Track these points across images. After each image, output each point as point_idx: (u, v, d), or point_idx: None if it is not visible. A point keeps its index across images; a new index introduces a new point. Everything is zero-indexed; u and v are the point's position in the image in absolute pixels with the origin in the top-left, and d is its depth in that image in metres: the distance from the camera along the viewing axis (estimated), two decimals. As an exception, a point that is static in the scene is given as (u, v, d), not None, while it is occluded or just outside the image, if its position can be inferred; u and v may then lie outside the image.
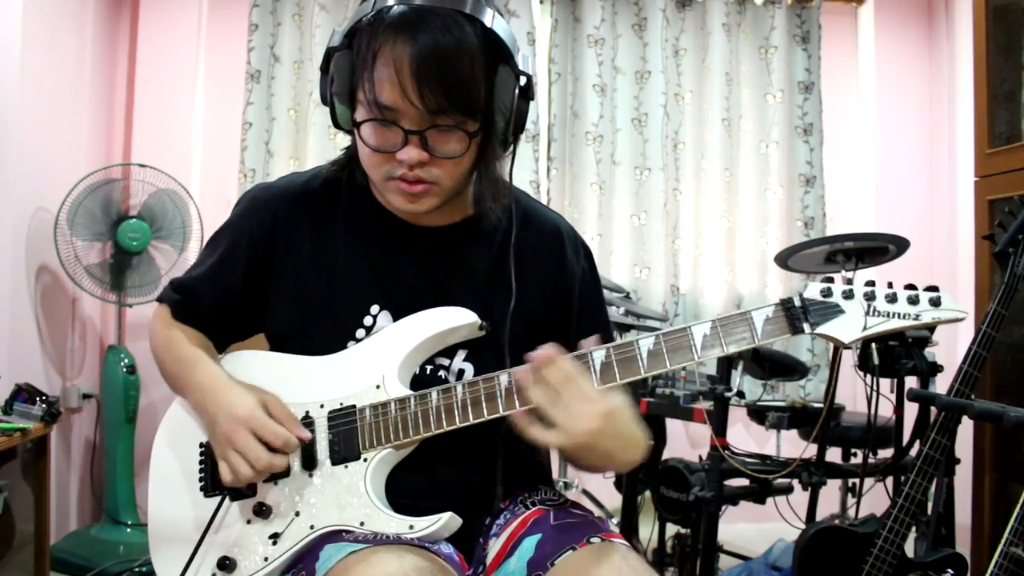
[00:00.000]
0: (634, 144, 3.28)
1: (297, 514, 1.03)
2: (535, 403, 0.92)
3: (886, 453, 2.24)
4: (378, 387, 1.06)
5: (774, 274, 3.31)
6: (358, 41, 0.98)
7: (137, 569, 2.51)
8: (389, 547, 0.95)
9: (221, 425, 1.02)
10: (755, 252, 3.35)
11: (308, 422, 1.07)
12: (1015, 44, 2.36)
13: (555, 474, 2.67)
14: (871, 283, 0.99)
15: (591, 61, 3.26)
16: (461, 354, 1.11)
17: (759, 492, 2.14)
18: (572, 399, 0.92)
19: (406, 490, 1.05)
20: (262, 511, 1.04)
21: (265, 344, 1.18)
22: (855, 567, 1.67)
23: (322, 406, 1.07)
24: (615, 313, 2.46)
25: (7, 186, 2.43)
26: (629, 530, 2.43)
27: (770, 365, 2.30)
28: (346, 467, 1.04)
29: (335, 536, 1.00)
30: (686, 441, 3.23)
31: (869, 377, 2.12)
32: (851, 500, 2.40)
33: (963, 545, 2.10)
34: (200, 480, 1.09)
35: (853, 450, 2.40)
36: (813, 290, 1.00)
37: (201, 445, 1.11)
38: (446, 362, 1.11)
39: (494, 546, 1.07)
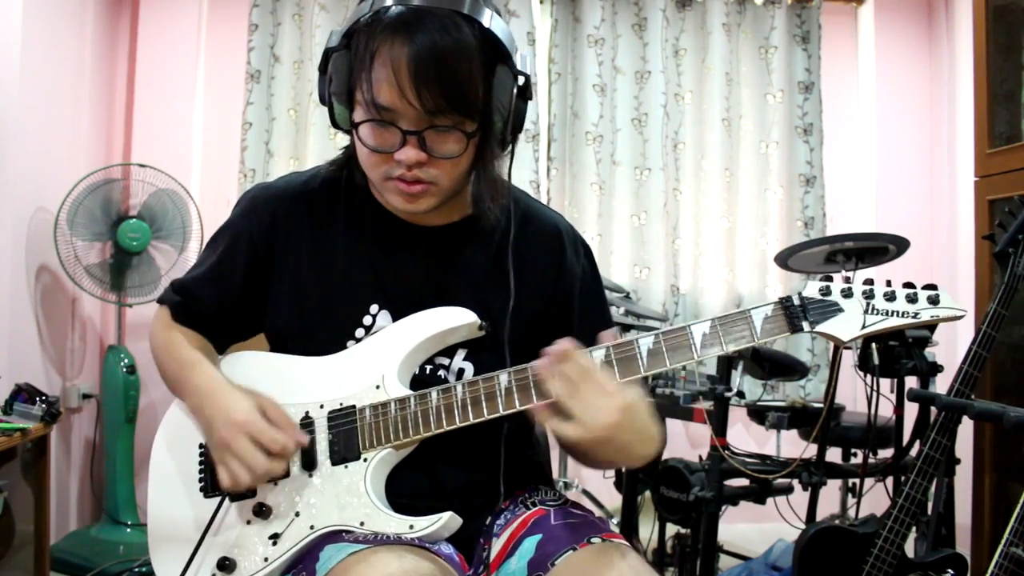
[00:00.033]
0: (634, 144, 3.28)
1: (297, 514, 1.03)
2: (554, 395, 0.92)
3: (886, 453, 2.24)
4: (378, 387, 1.06)
5: (774, 274, 3.31)
6: (356, 42, 0.98)
7: (137, 569, 2.51)
8: (389, 547, 0.95)
9: (219, 430, 1.02)
10: (755, 252, 3.35)
11: (308, 422, 1.07)
12: (1015, 44, 2.35)
13: (555, 474, 2.67)
14: (870, 282, 1.00)
15: (591, 61, 3.26)
16: (461, 353, 1.11)
17: (759, 492, 2.14)
18: (591, 393, 0.92)
19: (406, 490, 1.05)
20: (262, 511, 1.04)
21: (265, 345, 1.18)
22: (855, 567, 1.67)
23: (322, 406, 1.07)
24: (615, 313, 2.46)
25: (7, 186, 2.43)
26: (629, 530, 2.42)
27: (770, 365, 2.30)
28: (346, 467, 1.04)
29: (335, 536, 1.00)
30: (686, 441, 3.23)
31: (869, 377, 2.12)
32: (851, 500, 2.40)
33: (963, 545, 2.10)
34: (200, 481, 1.09)
35: (853, 450, 2.40)
36: (812, 289, 1.00)
37: (201, 446, 1.11)
38: (446, 361, 1.11)
39: (495, 546, 1.07)
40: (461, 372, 1.11)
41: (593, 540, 1.00)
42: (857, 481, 2.25)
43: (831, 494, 2.45)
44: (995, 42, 2.37)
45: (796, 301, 0.99)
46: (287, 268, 1.13)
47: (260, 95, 3.15)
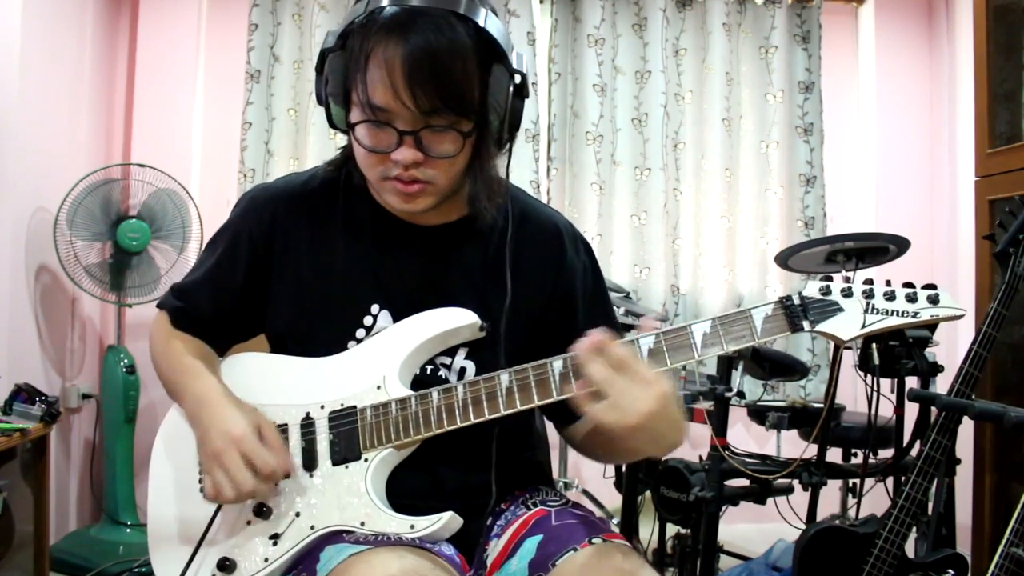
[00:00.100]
0: (634, 144, 3.28)
1: (297, 514, 1.03)
2: (594, 381, 0.91)
3: (886, 453, 2.24)
4: (379, 387, 1.06)
5: (774, 274, 3.31)
6: (351, 42, 0.98)
7: (136, 569, 2.51)
8: (390, 548, 0.95)
9: (213, 440, 1.02)
10: (755, 252, 3.35)
11: (309, 423, 1.07)
12: (1015, 44, 2.35)
13: (555, 474, 2.67)
14: (869, 281, 1.00)
15: (591, 61, 3.26)
16: (462, 352, 1.11)
17: (759, 492, 2.14)
18: (630, 380, 0.91)
19: (407, 490, 1.05)
20: (262, 512, 1.04)
21: (265, 346, 1.18)
22: (855, 567, 1.67)
23: (323, 407, 1.07)
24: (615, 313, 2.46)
25: (7, 186, 2.43)
26: (629, 530, 2.42)
27: (770, 365, 2.30)
28: (347, 467, 1.04)
29: (336, 537, 1.00)
30: (686, 441, 3.23)
31: (869, 377, 2.12)
32: (851, 500, 2.40)
33: (964, 545, 2.10)
34: (200, 482, 1.09)
35: (853, 450, 2.40)
36: (812, 288, 1.00)
37: (200, 452, 1.11)
38: (447, 361, 1.11)
39: (495, 547, 1.07)
40: (463, 371, 1.11)
41: (594, 540, 1.00)
42: (857, 481, 2.24)
43: (831, 494, 2.44)
44: (995, 42, 2.37)
45: (796, 300, 0.99)
46: (287, 269, 1.13)
47: (260, 95, 3.15)
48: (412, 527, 0.99)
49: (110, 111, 3.15)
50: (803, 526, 2.24)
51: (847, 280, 1.00)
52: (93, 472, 2.89)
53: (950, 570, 1.69)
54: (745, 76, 3.39)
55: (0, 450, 2.04)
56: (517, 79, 1.01)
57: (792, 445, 2.37)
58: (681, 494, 2.17)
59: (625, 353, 0.93)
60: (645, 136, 3.28)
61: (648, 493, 2.37)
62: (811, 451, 2.17)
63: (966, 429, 1.78)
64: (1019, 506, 1.46)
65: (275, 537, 1.02)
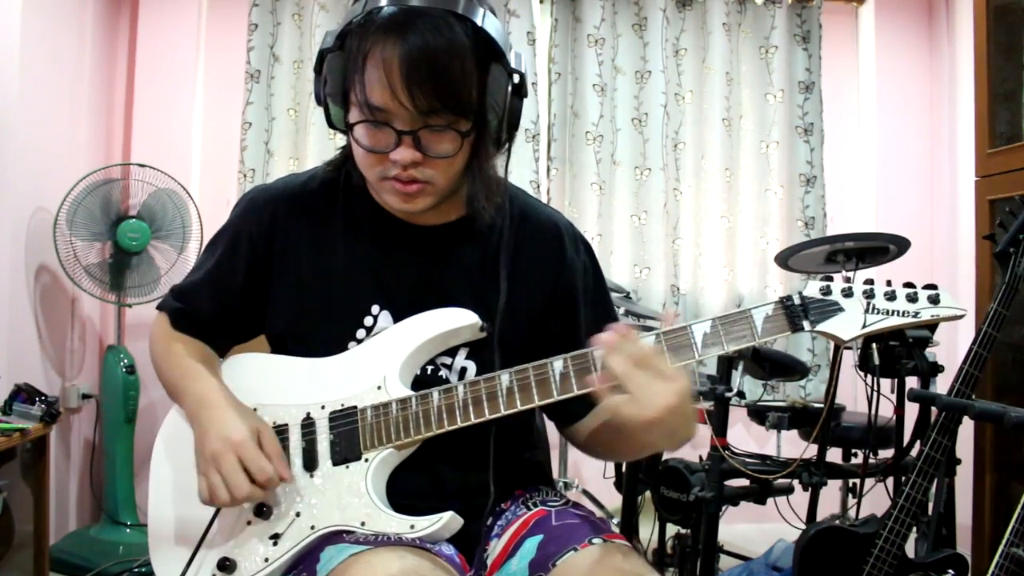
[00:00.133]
0: (634, 144, 3.28)
1: (298, 514, 1.03)
2: (615, 374, 0.91)
3: (887, 453, 2.24)
4: (379, 388, 1.06)
5: (774, 274, 3.31)
6: (349, 43, 0.98)
7: (136, 569, 2.51)
8: (390, 548, 0.95)
9: (212, 443, 1.02)
10: (755, 252, 3.35)
11: (309, 423, 1.07)
12: (1016, 44, 2.35)
13: (555, 474, 2.67)
14: (870, 281, 1.00)
15: (591, 61, 3.26)
16: (463, 352, 1.11)
17: (759, 492, 2.14)
18: (651, 375, 0.91)
19: (407, 490, 1.05)
20: (263, 511, 1.04)
21: (266, 346, 1.18)
22: (856, 567, 1.67)
23: (323, 407, 1.07)
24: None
25: (7, 186, 2.43)
26: (629, 530, 2.42)
27: (770, 365, 2.30)
28: (347, 467, 1.04)
29: (336, 537, 1.00)
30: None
31: (870, 377, 2.12)
32: (851, 500, 2.40)
33: (964, 545, 2.10)
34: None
35: (854, 450, 2.40)
36: (812, 288, 1.00)
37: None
38: (448, 361, 1.11)
39: (496, 547, 1.07)
40: (463, 371, 1.11)
41: (595, 541, 1.00)
42: (857, 481, 2.24)
43: (831, 494, 2.44)
44: (996, 42, 2.37)
45: (797, 300, 0.99)
46: (287, 269, 1.13)
47: (260, 95, 3.15)
48: (412, 527, 0.99)
49: (110, 111, 3.15)
50: (803, 526, 2.24)
51: (847, 280, 1.00)
52: (93, 472, 2.89)
53: (950, 570, 1.69)
54: (745, 76, 3.39)
55: (0, 450, 2.04)
56: (516, 78, 1.01)
57: (792, 445, 2.37)
58: (681, 494, 2.17)
59: (647, 347, 0.94)
60: (645, 136, 3.28)
61: (648, 493, 2.37)
62: (811, 451, 2.17)
63: (966, 429, 1.78)
64: (1019, 506, 1.46)
65: (275, 537, 1.02)
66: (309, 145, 3.15)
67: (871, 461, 2.22)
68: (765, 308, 0.99)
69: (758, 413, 2.37)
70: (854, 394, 2.97)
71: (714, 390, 2.12)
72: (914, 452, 1.84)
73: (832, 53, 3.43)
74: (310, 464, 1.05)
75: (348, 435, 1.05)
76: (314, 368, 1.10)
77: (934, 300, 0.98)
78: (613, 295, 2.58)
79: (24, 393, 2.26)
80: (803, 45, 3.39)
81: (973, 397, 1.62)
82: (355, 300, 1.12)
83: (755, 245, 3.35)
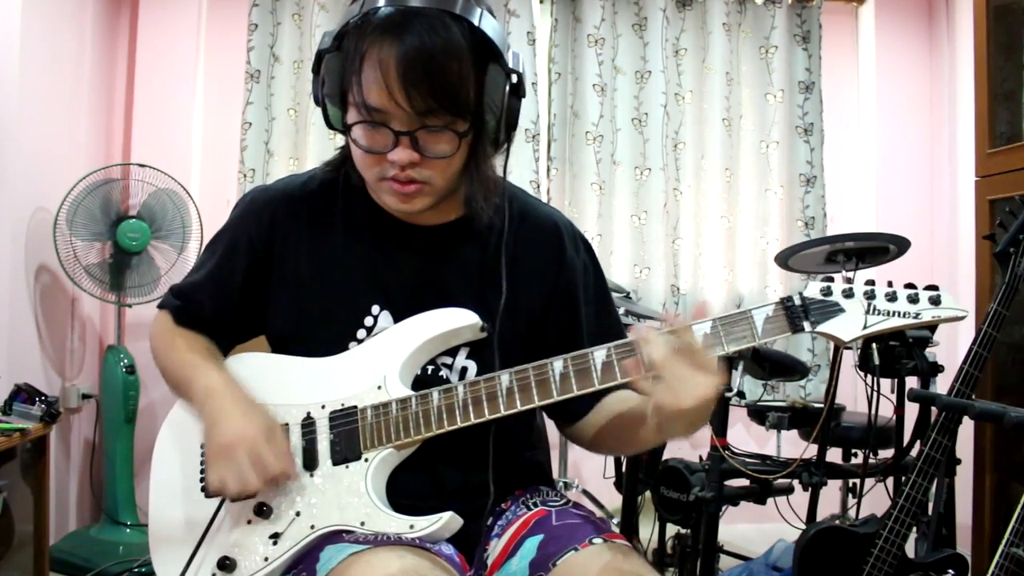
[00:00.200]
0: (634, 144, 3.28)
1: (298, 514, 1.03)
2: (654, 363, 0.92)
3: (887, 453, 2.24)
4: (379, 387, 1.06)
5: (774, 274, 3.31)
6: (347, 43, 0.98)
7: (136, 569, 2.51)
8: (390, 548, 0.95)
9: (222, 434, 1.02)
10: (755, 252, 3.35)
11: (309, 423, 1.07)
12: (1016, 44, 2.35)
13: (555, 474, 2.67)
14: (871, 282, 1.00)
15: (591, 61, 3.26)
16: (463, 352, 1.11)
17: (759, 492, 2.14)
18: (691, 367, 0.92)
19: (407, 490, 1.05)
20: (263, 511, 1.04)
21: (266, 346, 1.18)
22: (856, 567, 1.66)
23: (323, 407, 1.07)
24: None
25: (6, 186, 2.43)
26: (629, 530, 2.42)
27: (770, 365, 2.30)
28: (347, 467, 1.04)
29: (335, 537, 1.00)
30: (686, 441, 3.22)
31: (870, 377, 2.12)
32: (851, 500, 2.40)
33: (964, 545, 2.10)
34: (201, 481, 1.09)
35: (854, 450, 2.39)
36: (813, 289, 1.00)
37: (203, 446, 1.10)
38: (449, 360, 1.11)
39: (496, 546, 1.07)
40: (464, 371, 1.11)
41: (595, 541, 1.00)
42: (857, 481, 2.24)
43: (831, 494, 2.44)
44: (996, 42, 2.37)
45: (797, 301, 0.99)
46: (287, 270, 1.14)
47: (260, 95, 3.15)
48: (412, 527, 0.99)
49: (110, 111, 3.15)
50: (803, 526, 2.24)
51: (848, 280, 1.00)
52: (93, 472, 2.89)
53: (950, 570, 1.69)
54: (745, 76, 3.39)
55: (0, 450, 2.04)
56: (513, 78, 1.01)
57: (792, 445, 2.37)
58: (681, 494, 2.17)
59: (693, 339, 0.94)
60: (645, 136, 3.28)
61: (648, 493, 2.37)
62: (811, 451, 2.17)
63: (966, 429, 1.78)
64: (1019, 506, 1.46)
65: (275, 536, 1.02)
66: (309, 145, 3.15)
67: (871, 461, 2.22)
68: (765, 309, 0.99)
69: (758, 413, 2.37)
70: (854, 394, 2.97)
71: (714, 390, 2.11)
72: (914, 452, 1.84)
73: (832, 53, 3.43)
74: (310, 464, 1.05)
75: (348, 435, 1.05)
76: (314, 368, 1.10)
77: (935, 301, 0.98)
78: (613, 295, 2.59)
79: (24, 393, 2.26)
80: (803, 45, 3.39)
81: (973, 397, 1.62)
82: (355, 300, 1.12)
83: (755, 245, 3.35)
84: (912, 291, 0.98)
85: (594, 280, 1.20)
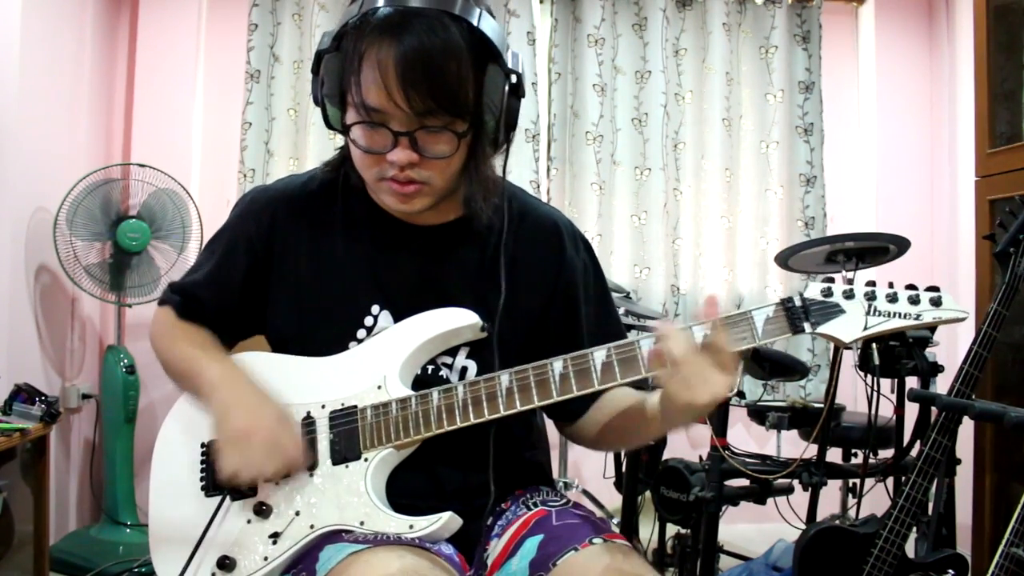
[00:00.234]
0: (634, 144, 3.28)
1: (297, 513, 1.03)
2: (676, 358, 0.93)
3: (887, 453, 2.24)
4: (379, 387, 1.06)
5: (774, 274, 3.31)
6: (345, 43, 0.98)
7: (136, 569, 2.51)
8: (389, 547, 0.95)
9: (237, 420, 1.02)
10: (755, 252, 3.35)
11: (309, 422, 1.07)
12: (1016, 43, 2.35)
13: (555, 474, 2.67)
14: (872, 283, 0.99)
15: (591, 61, 3.26)
16: (463, 352, 1.11)
17: (759, 492, 2.14)
18: (710, 364, 0.93)
19: (407, 490, 1.05)
20: (262, 510, 1.04)
21: (266, 345, 1.18)
22: (856, 567, 1.66)
23: (323, 406, 1.07)
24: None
25: (6, 186, 2.43)
26: (629, 530, 2.42)
27: (770, 365, 2.30)
28: (347, 467, 1.04)
29: (335, 536, 1.00)
30: (686, 441, 3.23)
31: (870, 377, 2.12)
32: (851, 500, 2.40)
33: (964, 545, 2.10)
34: (201, 479, 1.09)
35: (854, 450, 2.40)
36: (814, 290, 0.99)
37: (203, 445, 1.10)
38: (449, 360, 1.11)
39: (496, 546, 1.07)
40: (464, 371, 1.11)
41: (595, 541, 1.00)
42: (857, 481, 2.24)
43: (831, 494, 2.44)
44: (996, 41, 2.36)
45: (798, 302, 0.99)
46: (287, 270, 1.14)
47: (260, 95, 3.15)
48: (411, 527, 0.99)
49: (110, 111, 3.15)
50: (803, 526, 2.24)
51: (849, 282, 1.00)
52: (93, 472, 2.89)
53: (950, 570, 1.69)
54: (745, 76, 3.39)
55: (0, 450, 2.04)
56: (513, 79, 1.01)
57: (792, 445, 2.37)
58: (681, 494, 2.17)
59: (719, 336, 0.94)
60: (645, 136, 3.28)
61: (648, 493, 2.37)
62: (811, 451, 2.17)
63: (966, 429, 1.78)
64: (1019, 506, 1.46)
65: (275, 536, 1.02)
66: (309, 145, 3.15)
67: (871, 461, 2.22)
68: (766, 310, 0.99)
69: (758, 413, 2.37)
70: (854, 394, 2.97)
71: (714, 390, 2.11)
72: (914, 452, 1.84)
73: (832, 53, 3.43)
74: (310, 463, 1.05)
75: (348, 434, 1.05)
76: (314, 367, 1.10)
77: (936, 302, 0.97)
78: (613, 295, 2.59)
79: (24, 393, 2.26)
80: (803, 45, 3.39)
81: (973, 397, 1.62)
82: (355, 300, 1.12)
83: (755, 245, 3.35)
84: (913, 292, 0.98)
85: (594, 280, 1.20)
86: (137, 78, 3.12)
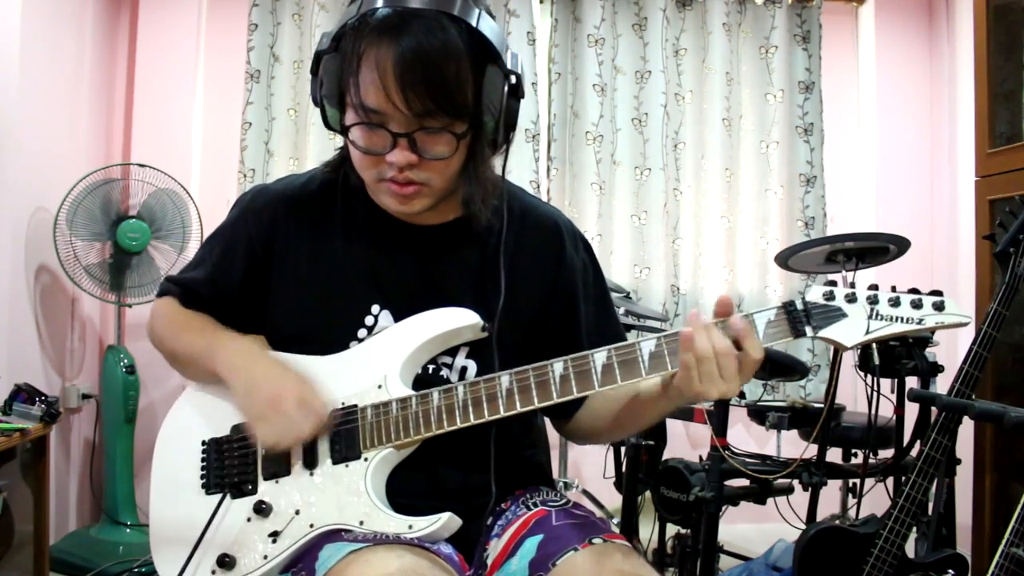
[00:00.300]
0: (634, 144, 3.28)
1: (297, 512, 1.03)
2: (701, 354, 0.94)
3: (887, 453, 2.24)
4: (380, 387, 1.06)
5: (774, 274, 3.31)
6: (344, 44, 0.98)
7: (136, 569, 2.51)
8: (389, 547, 0.95)
9: (264, 392, 1.03)
10: (755, 252, 3.35)
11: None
12: (1016, 43, 2.35)
13: (555, 474, 2.67)
14: (874, 287, 0.98)
15: (591, 61, 3.26)
16: (463, 351, 1.11)
17: (759, 492, 2.14)
18: (727, 367, 0.94)
19: (407, 490, 1.05)
20: (262, 509, 1.04)
21: (266, 344, 1.18)
22: (856, 567, 1.67)
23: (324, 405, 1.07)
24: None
25: (7, 186, 2.43)
26: (629, 530, 2.42)
27: (770, 365, 2.30)
28: (347, 466, 1.04)
29: (334, 536, 1.00)
30: (686, 441, 3.23)
31: (870, 377, 2.12)
32: (851, 500, 2.40)
33: (964, 545, 2.10)
34: (202, 478, 1.09)
35: (854, 450, 2.40)
36: (816, 293, 0.99)
37: (203, 443, 1.11)
38: (448, 360, 1.11)
39: (496, 546, 1.07)
40: (464, 370, 1.11)
41: (595, 540, 1.00)
42: (857, 481, 2.24)
43: (831, 494, 2.44)
44: (996, 42, 2.36)
45: (799, 305, 0.98)
46: (287, 270, 1.14)
47: (260, 95, 3.15)
48: (410, 527, 0.99)
49: (110, 111, 3.15)
50: (803, 526, 2.24)
51: (851, 285, 1.00)
52: (93, 472, 2.89)
53: (950, 570, 1.69)
54: (745, 76, 3.39)
55: (0, 450, 2.04)
56: (512, 79, 1.01)
57: (792, 445, 2.38)
58: (681, 494, 2.17)
59: (749, 343, 0.95)
60: (645, 136, 3.28)
61: (648, 493, 2.37)
62: (811, 451, 2.17)
63: (966, 429, 1.78)
64: (1019, 506, 1.46)
65: (274, 535, 1.02)
66: (309, 145, 3.15)
67: (871, 461, 2.22)
68: (767, 313, 0.99)
69: (758, 413, 2.37)
70: (854, 394, 2.97)
71: (714, 390, 2.11)
72: (914, 452, 1.84)
73: (832, 53, 3.43)
74: (310, 462, 1.05)
75: (348, 434, 1.05)
76: (315, 366, 1.09)
77: (939, 307, 0.96)
78: (613, 295, 2.58)
79: (24, 393, 2.26)
80: (803, 45, 3.39)
81: (973, 397, 1.62)
82: (355, 300, 1.12)
83: (755, 245, 3.35)
84: (916, 296, 0.97)
85: (593, 279, 1.20)
86: (137, 78, 3.12)
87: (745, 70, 3.39)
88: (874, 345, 2.08)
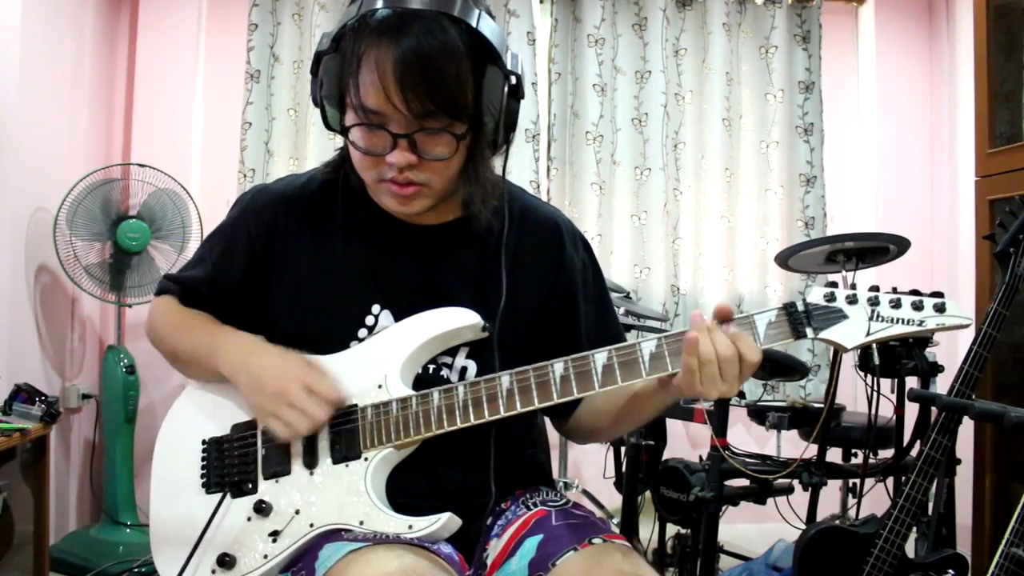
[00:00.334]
0: (634, 144, 3.28)
1: (297, 512, 1.03)
2: (704, 356, 0.95)
3: (887, 453, 2.24)
4: (380, 387, 1.06)
5: (774, 274, 3.31)
6: (344, 45, 0.98)
7: (136, 569, 2.51)
8: (389, 546, 0.95)
9: (271, 382, 1.03)
10: (755, 252, 3.35)
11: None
12: (1016, 43, 2.35)
13: (555, 474, 2.67)
14: (875, 288, 0.98)
15: (591, 61, 3.26)
16: (463, 351, 1.11)
17: (759, 492, 2.14)
18: (728, 371, 0.95)
19: (407, 490, 1.05)
20: (262, 508, 1.04)
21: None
22: (856, 567, 1.67)
23: (323, 405, 1.07)
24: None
25: (7, 186, 2.43)
26: (629, 530, 2.42)
27: (770, 365, 2.30)
28: (347, 466, 1.04)
29: (334, 535, 1.00)
30: (686, 441, 3.23)
31: (870, 377, 2.12)
32: (851, 500, 2.40)
33: (964, 545, 2.10)
34: (202, 477, 1.09)
35: (854, 450, 2.40)
36: (817, 294, 0.99)
37: (203, 443, 1.11)
38: (449, 360, 1.12)
39: (496, 546, 1.07)
40: (464, 370, 1.11)
41: (594, 541, 1.00)
42: (857, 481, 2.24)
43: (831, 494, 2.44)
44: (996, 41, 2.37)
45: (800, 307, 0.98)
46: (287, 270, 1.14)
47: (260, 95, 3.15)
48: (410, 527, 0.99)
49: (110, 111, 3.15)
50: (803, 526, 2.24)
51: (853, 286, 1.00)
52: (93, 472, 2.89)
53: (950, 570, 1.69)
54: (745, 76, 3.39)
55: (0, 450, 2.04)
56: (512, 80, 1.01)
57: (792, 445, 2.38)
58: (681, 494, 2.17)
59: (749, 351, 0.96)
60: (645, 136, 3.28)
61: (648, 493, 2.37)
62: (811, 451, 2.17)
63: (966, 429, 1.78)
64: (1019, 506, 1.46)
65: (274, 534, 1.02)
66: (309, 145, 3.15)
67: (871, 461, 2.22)
68: (768, 314, 0.98)
69: (758, 413, 2.37)
70: (854, 394, 2.97)
71: (714, 390, 2.11)
72: (914, 452, 1.84)
73: (832, 53, 3.43)
74: (310, 462, 1.05)
75: (348, 434, 1.05)
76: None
77: (940, 309, 0.95)
78: (613, 295, 2.58)
79: (24, 393, 2.26)
80: (803, 45, 3.39)
81: (973, 397, 1.62)
82: (356, 300, 1.12)
83: (755, 245, 3.35)
84: (917, 298, 0.96)
85: (593, 279, 1.20)
86: (137, 78, 3.12)
87: (745, 70, 3.39)
88: (874, 345, 2.08)
